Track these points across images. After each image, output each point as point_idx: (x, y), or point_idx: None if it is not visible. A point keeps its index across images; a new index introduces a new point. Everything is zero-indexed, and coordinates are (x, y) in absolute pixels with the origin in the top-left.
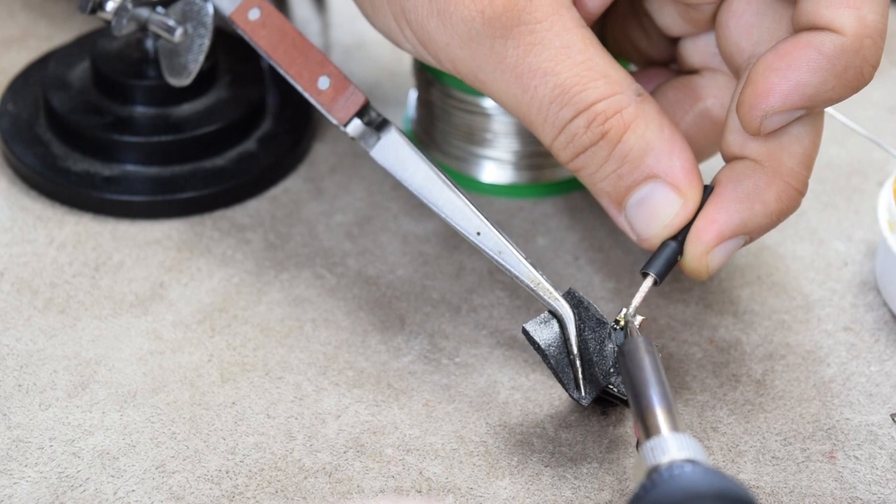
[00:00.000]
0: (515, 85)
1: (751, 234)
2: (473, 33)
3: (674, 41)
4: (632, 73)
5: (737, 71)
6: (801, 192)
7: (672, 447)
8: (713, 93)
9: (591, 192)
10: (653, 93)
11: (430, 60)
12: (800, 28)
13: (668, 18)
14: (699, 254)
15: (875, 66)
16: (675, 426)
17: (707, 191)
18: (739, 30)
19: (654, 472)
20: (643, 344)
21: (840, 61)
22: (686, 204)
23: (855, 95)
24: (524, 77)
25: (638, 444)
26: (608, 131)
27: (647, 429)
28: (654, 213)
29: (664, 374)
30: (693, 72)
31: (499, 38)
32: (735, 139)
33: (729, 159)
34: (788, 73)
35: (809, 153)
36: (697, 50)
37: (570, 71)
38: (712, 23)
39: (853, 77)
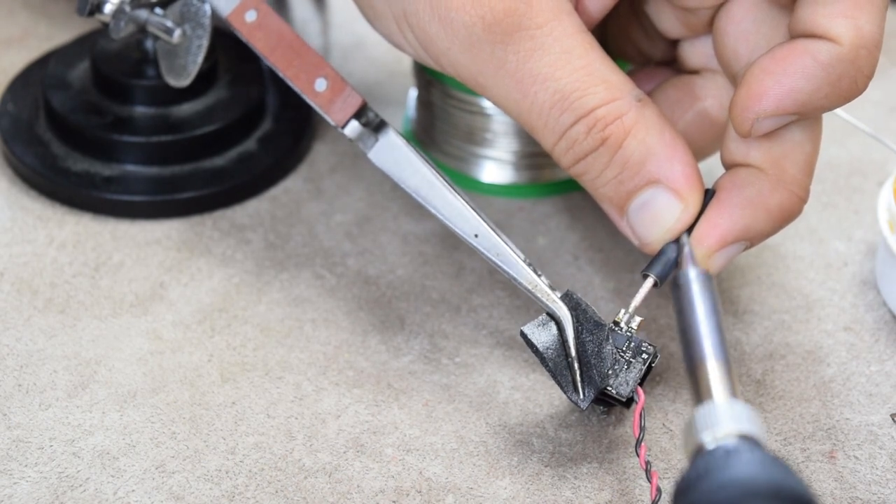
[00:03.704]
0: (516, 90)
1: (752, 240)
2: (474, 38)
3: (674, 43)
4: (632, 72)
5: (733, 77)
6: (803, 200)
7: (726, 418)
8: (712, 93)
9: (593, 197)
10: (653, 91)
11: (431, 64)
12: (796, 35)
13: (667, 22)
14: (700, 257)
15: (870, 77)
16: (732, 389)
17: (708, 195)
18: (737, 36)
19: (703, 452)
20: (701, 279)
21: (835, 70)
22: (687, 208)
23: None
24: (524, 82)
25: (637, 445)
26: (608, 137)
27: (699, 390)
28: (656, 217)
29: (722, 318)
30: (692, 72)
31: (499, 43)
32: (737, 147)
33: (729, 166)
34: (783, 77)
35: (811, 160)
36: (696, 52)
37: (570, 76)
38: (710, 26)
39: (847, 86)
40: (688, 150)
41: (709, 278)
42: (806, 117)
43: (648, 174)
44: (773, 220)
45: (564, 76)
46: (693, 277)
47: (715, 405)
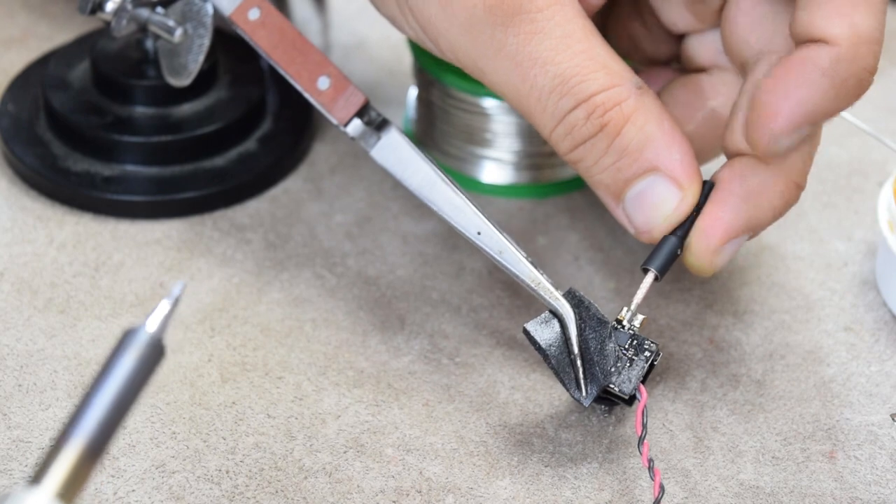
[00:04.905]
0: (515, 74)
1: (754, 231)
2: (474, 20)
3: (677, 38)
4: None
5: (743, 66)
6: (801, 188)
7: None
8: (721, 91)
9: (589, 184)
10: (659, 93)
11: (431, 47)
12: (797, 40)
13: (674, 13)
14: (707, 252)
15: (873, 72)
16: (72, 486)
17: (706, 186)
18: (747, 25)
19: None
20: (148, 347)
21: (838, 73)
22: (685, 197)
23: None
24: (524, 66)
25: (639, 443)
26: (607, 123)
27: (41, 467)
28: (653, 206)
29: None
30: (699, 70)
31: (499, 25)
32: (740, 136)
33: (731, 155)
34: (789, 93)
35: (811, 149)
36: (704, 47)
37: (571, 61)
38: (718, 17)
39: (853, 86)
40: (686, 139)
41: (157, 352)
42: (822, 123)
43: (647, 162)
44: (775, 209)
45: (564, 60)
46: (142, 341)
47: (32, 493)
